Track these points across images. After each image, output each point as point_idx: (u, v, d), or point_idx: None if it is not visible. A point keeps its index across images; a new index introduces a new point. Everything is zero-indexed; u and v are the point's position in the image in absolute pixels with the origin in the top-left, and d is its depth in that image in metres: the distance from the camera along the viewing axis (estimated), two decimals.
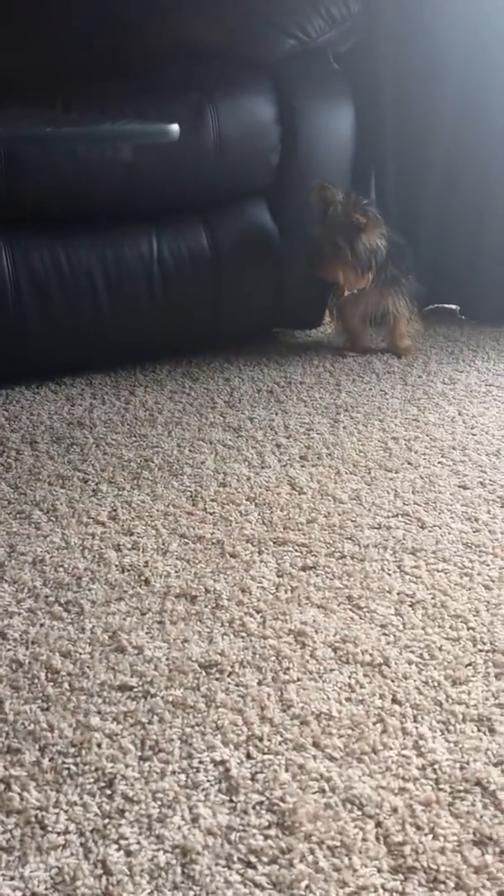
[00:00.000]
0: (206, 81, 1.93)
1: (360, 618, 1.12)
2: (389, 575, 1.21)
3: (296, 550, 1.28)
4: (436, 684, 1.00)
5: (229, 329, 2.07)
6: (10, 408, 1.84)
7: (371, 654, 1.05)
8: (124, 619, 1.13)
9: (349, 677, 1.02)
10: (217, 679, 1.02)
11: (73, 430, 1.71)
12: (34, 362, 1.92)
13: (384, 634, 1.09)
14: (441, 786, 0.86)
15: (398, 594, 1.17)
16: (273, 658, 1.05)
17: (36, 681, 1.02)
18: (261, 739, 0.92)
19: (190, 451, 1.61)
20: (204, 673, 1.03)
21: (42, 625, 1.12)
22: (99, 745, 0.92)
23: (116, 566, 1.25)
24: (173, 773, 0.89)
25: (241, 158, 1.94)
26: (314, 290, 2.10)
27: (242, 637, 1.09)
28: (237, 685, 1.01)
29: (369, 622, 1.11)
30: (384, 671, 1.02)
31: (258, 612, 1.14)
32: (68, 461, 1.58)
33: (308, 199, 1.96)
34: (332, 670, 1.03)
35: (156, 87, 1.92)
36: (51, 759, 0.90)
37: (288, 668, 1.03)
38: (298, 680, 1.01)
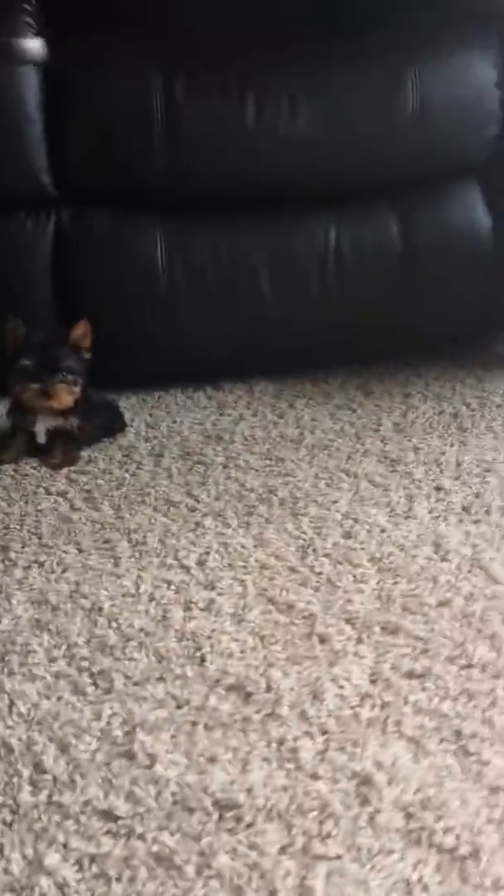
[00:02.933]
0: (413, 36, 1.60)
1: (464, 771, 0.78)
2: None
3: (407, 645, 0.95)
4: None
5: (421, 334, 1.73)
6: (154, 412, 1.64)
7: (458, 837, 0.71)
8: (151, 712, 0.87)
9: (413, 869, 0.69)
10: (228, 830, 0.73)
11: (206, 446, 1.47)
12: (189, 363, 1.71)
13: (489, 806, 0.74)
14: None
15: None
16: (315, 813, 0.74)
17: (14, 780, 0.80)
18: None
19: (326, 484, 1.31)
20: (216, 815, 0.75)
21: (59, 698, 0.90)
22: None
23: (176, 631, 0.99)
24: None
25: (447, 130, 1.60)
26: None
27: (286, 770, 0.79)
28: (250, 847, 0.71)
29: (475, 781, 0.77)
30: (467, 871, 0.68)
31: (323, 733, 0.83)
32: (185, 483, 1.34)
33: None
34: (391, 852, 0.70)
35: (355, 50, 1.62)
36: None
37: (329, 836, 0.72)
38: (337, 857, 0.70)
